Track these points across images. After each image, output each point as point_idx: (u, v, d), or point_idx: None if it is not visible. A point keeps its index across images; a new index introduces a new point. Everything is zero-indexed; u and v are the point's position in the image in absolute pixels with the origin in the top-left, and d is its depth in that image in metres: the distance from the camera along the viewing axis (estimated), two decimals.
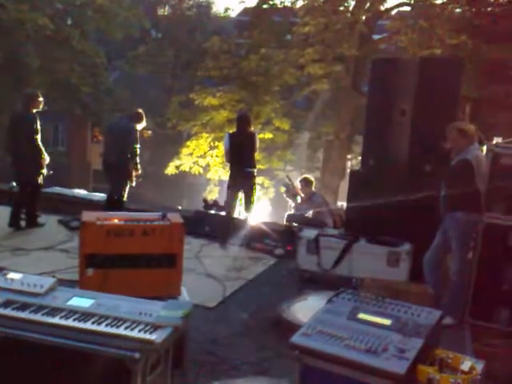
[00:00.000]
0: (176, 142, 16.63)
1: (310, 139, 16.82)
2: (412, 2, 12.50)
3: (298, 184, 7.02)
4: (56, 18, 15.91)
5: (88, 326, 2.63)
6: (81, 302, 2.84)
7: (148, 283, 3.83)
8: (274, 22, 14.22)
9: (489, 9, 11.68)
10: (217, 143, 13.53)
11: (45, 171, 6.44)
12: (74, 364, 2.59)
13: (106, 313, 2.73)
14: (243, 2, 16.19)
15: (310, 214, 6.82)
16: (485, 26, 11.17)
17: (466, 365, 2.22)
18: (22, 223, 6.58)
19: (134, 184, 6.75)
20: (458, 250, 4.32)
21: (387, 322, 2.42)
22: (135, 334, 2.56)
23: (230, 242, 6.52)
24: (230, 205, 6.61)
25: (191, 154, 13.99)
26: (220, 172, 13.71)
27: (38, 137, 6.23)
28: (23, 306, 2.77)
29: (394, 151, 5.43)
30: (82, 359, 2.57)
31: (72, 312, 2.74)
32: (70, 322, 2.65)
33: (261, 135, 11.79)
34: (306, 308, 4.07)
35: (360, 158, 6.38)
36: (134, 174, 6.62)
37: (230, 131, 7.24)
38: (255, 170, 6.64)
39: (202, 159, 13.97)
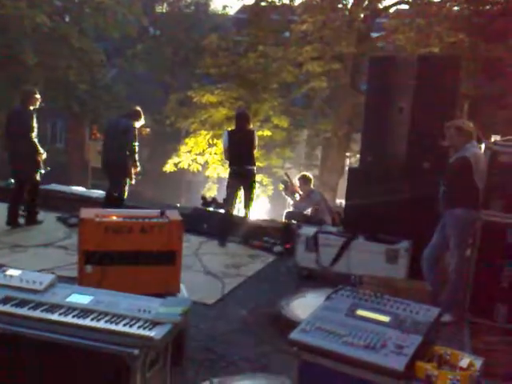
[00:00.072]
0: (174, 139, 16.60)
1: (309, 137, 16.82)
2: (410, 0, 12.50)
3: (296, 182, 7.02)
4: (54, 16, 15.86)
5: (87, 322, 2.63)
6: (80, 298, 2.85)
7: (147, 280, 3.84)
8: (272, 19, 14.19)
9: (487, 7, 11.69)
10: (215, 141, 13.51)
11: (42, 168, 6.43)
12: (73, 360, 2.60)
13: (105, 309, 2.73)
14: None
15: (308, 211, 6.82)
16: (483, 25, 11.18)
17: (464, 361, 2.23)
18: (21, 220, 6.59)
19: (133, 182, 6.75)
20: (457, 248, 4.34)
21: (386, 318, 2.42)
22: (134, 330, 2.57)
23: (228, 240, 6.53)
24: (229, 202, 6.61)
25: (190, 152, 13.97)
26: (219, 169, 13.70)
27: (34, 134, 6.22)
28: (22, 303, 2.77)
29: (393, 149, 5.44)
30: (81, 356, 2.57)
31: (71, 309, 2.75)
32: (69, 319, 2.66)
33: (259, 133, 11.78)
34: (304, 305, 4.08)
35: (358, 155, 6.38)
36: (133, 171, 6.62)
37: (229, 129, 7.24)
38: (255, 168, 6.65)
39: (201, 157, 13.95)
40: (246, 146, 6.47)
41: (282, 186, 7.23)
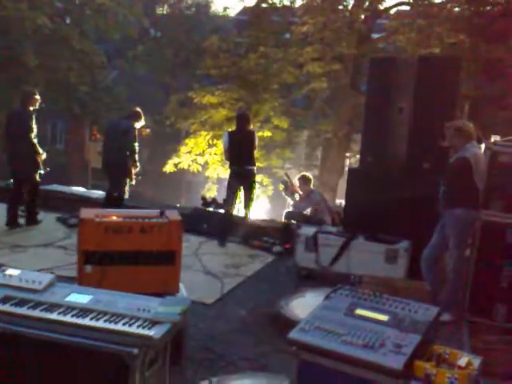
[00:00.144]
0: (174, 140, 16.62)
1: (309, 137, 16.82)
2: (411, 1, 12.50)
3: (296, 182, 7.02)
4: (55, 17, 15.88)
5: (86, 321, 2.63)
6: (79, 298, 2.85)
7: (146, 280, 3.84)
8: (272, 21, 14.20)
9: (487, 8, 11.70)
10: (215, 141, 13.52)
11: (42, 169, 6.43)
12: (72, 360, 2.60)
13: (105, 309, 2.74)
14: (242, 1, 16.21)
15: (308, 211, 6.82)
16: (483, 25, 11.18)
17: (463, 360, 2.23)
18: (21, 220, 6.59)
19: (133, 182, 6.76)
20: (456, 248, 4.34)
21: (384, 317, 2.43)
22: (133, 329, 2.57)
23: (228, 240, 6.53)
24: (229, 202, 6.62)
25: (190, 152, 13.98)
26: (219, 170, 13.71)
27: (33, 134, 6.23)
28: (22, 302, 2.78)
29: (393, 149, 5.44)
30: (80, 355, 2.57)
31: (70, 308, 2.75)
32: (68, 318, 2.66)
33: (259, 133, 11.78)
34: (303, 305, 4.08)
35: (358, 156, 6.38)
36: (133, 171, 6.63)
37: (230, 129, 7.24)
38: (255, 168, 6.66)
39: (201, 157, 13.96)
40: (246, 146, 6.47)
41: (281, 186, 7.24)
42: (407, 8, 12.85)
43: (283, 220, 6.97)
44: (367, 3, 12.69)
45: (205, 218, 7.06)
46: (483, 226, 4.38)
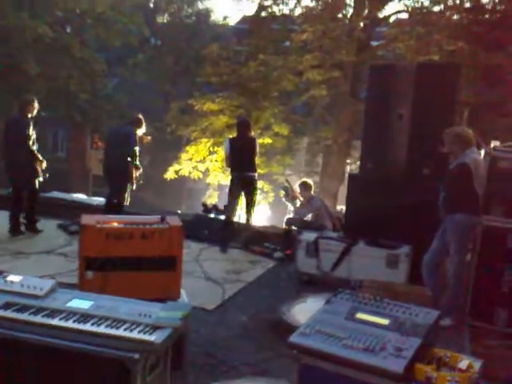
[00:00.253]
0: (175, 147, 16.66)
1: (309, 144, 16.87)
2: (410, 9, 12.57)
3: (297, 188, 7.04)
4: (56, 26, 15.99)
5: (88, 327, 2.64)
6: (80, 303, 2.86)
7: (147, 286, 3.84)
8: (272, 29, 14.28)
9: (486, 16, 11.76)
10: (216, 148, 13.56)
11: (41, 176, 6.43)
12: (73, 365, 2.61)
13: (106, 314, 2.74)
14: (242, 10, 16.33)
15: (309, 217, 6.83)
16: (482, 33, 11.24)
17: (463, 363, 2.23)
18: (22, 227, 6.59)
19: (134, 187, 6.78)
20: (457, 253, 4.35)
21: (385, 321, 2.43)
22: (135, 334, 2.58)
23: (229, 246, 6.54)
24: (230, 208, 6.63)
25: (190, 159, 14.02)
26: (219, 177, 13.74)
27: (31, 142, 6.23)
28: (23, 308, 2.78)
29: (392, 155, 5.46)
30: (81, 360, 2.58)
31: (72, 313, 2.76)
32: (69, 324, 2.67)
33: (260, 140, 11.81)
34: (305, 310, 4.07)
35: (359, 162, 6.41)
36: (135, 174, 6.66)
37: (230, 136, 7.28)
38: (256, 174, 6.69)
39: (202, 164, 14.00)
40: (247, 152, 6.51)
41: (282, 193, 7.24)
42: (406, 16, 12.92)
43: (284, 226, 6.98)
44: (366, 11, 12.76)
45: (206, 224, 7.07)
46: (484, 231, 4.40)
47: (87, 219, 4.13)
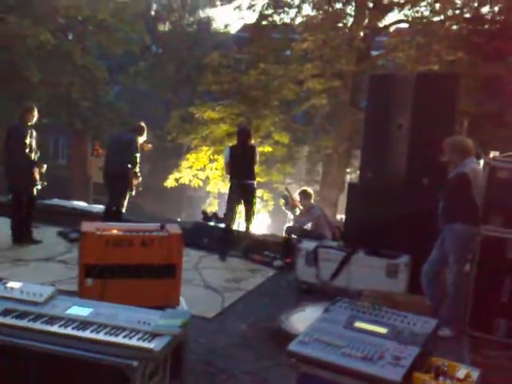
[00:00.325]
0: (176, 155, 16.70)
1: (310, 153, 16.90)
2: (410, 19, 12.66)
3: (296, 196, 7.05)
4: (57, 33, 16.08)
5: (87, 334, 2.65)
6: (80, 310, 2.87)
7: (147, 293, 3.86)
8: (273, 38, 14.36)
9: (485, 26, 11.84)
10: (216, 156, 13.59)
11: (38, 184, 6.42)
12: (72, 372, 2.61)
13: (105, 321, 2.75)
14: (243, 18, 16.41)
15: (308, 226, 6.84)
16: (482, 43, 11.31)
17: (461, 372, 2.24)
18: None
19: (133, 193, 6.79)
20: (455, 263, 4.35)
21: (383, 330, 2.44)
22: (134, 342, 2.59)
23: (229, 254, 6.54)
24: (229, 216, 6.64)
25: (191, 167, 14.05)
26: (220, 185, 13.75)
27: (28, 150, 6.23)
28: (23, 315, 2.79)
29: (392, 165, 5.48)
30: (80, 367, 2.58)
31: (71, 320, 2.77)
32: (68, 331, 2.68)
33: (260, 148, 11.84)
34: (304, 319, 4.07)
35: (359, 171, 6.42)
36: (134, 182, 6.67)
37: (230, 144, 7.31)
38: (255, 182, 6.71)
39: (202, 172, 14.03)
40: (247, 160, 6.53)
41: (282, 201, 7.25)
42: (406, 26, 13.00)
43: (284, 234, 6.98)
44: (366, 21, 12.84)
45: (206, 232, 7.08)
46: (483, 241, 4.40)
47: (87, 226, 4.15)
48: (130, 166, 6.52)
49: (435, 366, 2.29)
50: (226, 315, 4.71)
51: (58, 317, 2.80)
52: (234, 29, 21.50)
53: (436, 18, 12.18)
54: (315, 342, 2.37)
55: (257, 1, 14.06)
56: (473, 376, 2.23)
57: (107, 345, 2.58)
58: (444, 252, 4.43)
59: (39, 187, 6.46)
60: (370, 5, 12.92)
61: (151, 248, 4.02)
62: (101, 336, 2.63)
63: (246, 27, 16.99)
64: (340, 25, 12.94)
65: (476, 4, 11.76)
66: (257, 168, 6.86)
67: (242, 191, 6.52)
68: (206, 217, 7.57)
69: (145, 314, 2.85)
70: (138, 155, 6.62)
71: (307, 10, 14.09)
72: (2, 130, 7.74)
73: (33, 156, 6.32)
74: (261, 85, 13.17)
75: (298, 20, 13.82)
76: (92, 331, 2.67)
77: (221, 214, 7.43)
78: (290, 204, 6.99)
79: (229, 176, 6.73)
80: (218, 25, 23.08)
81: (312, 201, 7.15)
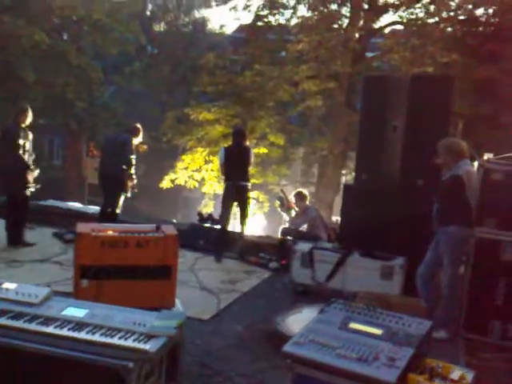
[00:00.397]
0: (171, 156, 16.69)
1: (305, 154, 16.92)
2: (405, 20, 12.71)
3: (292, 198, 7.07)
4: (52, 33, 16.04)
5: (82, 335, 2.65)
6: (75, 311, 2.87)
7: (142, 295, 3.85)
8: (268, 39, 14.38)
9: (480, 28, 11.90)
10: (212, 157, 13.60)
11: (32, 186, 6.38)
12: (68, 373, 2.61)
13: (101, 322, 2.76)
14: (238, 19, 16.42)
15: (304, 227, 6.85)
16: (476, 45, 11.37)
17: (455, 374, 2.25)
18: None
19: (129, 195, 6.78)
20: (450, 265, 4.37)
21: (378, 331, 2.45)
22: (129, 343, 2.59)
23: (224, 256, 6.55)
24: (224, 217, 6.65)
25: (186, 168, 14.05)
26: (215, 186, 13.76)
27: (20, 151, 6.20)
28: (18, 316, 2.79)
29: (387, 166, 5.50)
30: (76, 368, 2.58)
31: (66, 322, 2.77)
32: (64, 332, 2.68)
33: (255, 150, 11.87)
34: (299, 321, 4.08)
35: (354, 173, 6.44)
36: (129, 184, 6.66)
37: (225, 145, 7.31)
38: (249, 184, 6.71)
39: (197, 173, 14.03)
40: (241, 161, 6.54)
41: (277, 203, 7.27)
42: (401, 27, 13.06)
43: (279, 236, 7.00)
44: (362, 22, 12.88)
45: (201, 233, 7.08)
46: (477, 243, 4.42)
47: (82, 227, 4.14)
48: (124, 167, 6.51)
49: (430, 367, 2.30)
50: (221, 317, 4.71)
51: (53, 318, 2.80)
52: (229, 29, 21.53)
53: (431, 20, 12.24)
54: (310, 343, 2.38)
55: (252, 1, 14.09)
56: (467, 378, 2.24)
57: (103, 346, 2.58)
58: (438, 254, 4.45)
59: (33, 190, 6.43)
60: (366, 6, 12.98)
61: (147, 249, 4.02)
62: (96, 337, 2.63)
63: (241, 28, 17.00)
64: (335, 26, 12.98)
65: (470, 6, 11.82)
66: (252, 169, 6.88)
67: (236, 192, 6.52)
68: (202, 218, 7.57)
69: (140, 315, 2.86)
70: (133, 157, 6.60)
71: (302, 11, 14.13)
72: None
73: (27, 158, 6.28)
74: (256, 86, 13.18)
75: (294, 21, 13.85)
76: (87, 332, 2.67)
77: (216, 216, 7.43)
78: (286, 206, 7.01)
79: (224, 177, 6.73)
80: (213, 25, 23.09)
81: (307, 202, 7.17)
